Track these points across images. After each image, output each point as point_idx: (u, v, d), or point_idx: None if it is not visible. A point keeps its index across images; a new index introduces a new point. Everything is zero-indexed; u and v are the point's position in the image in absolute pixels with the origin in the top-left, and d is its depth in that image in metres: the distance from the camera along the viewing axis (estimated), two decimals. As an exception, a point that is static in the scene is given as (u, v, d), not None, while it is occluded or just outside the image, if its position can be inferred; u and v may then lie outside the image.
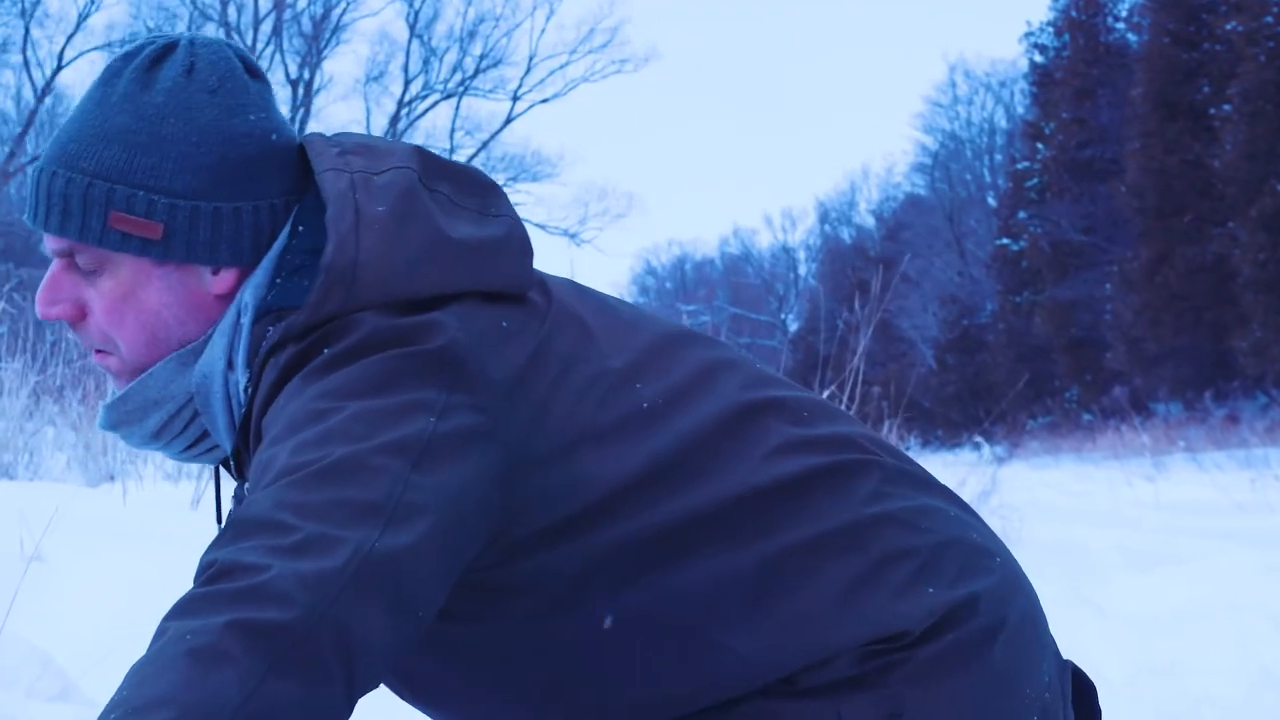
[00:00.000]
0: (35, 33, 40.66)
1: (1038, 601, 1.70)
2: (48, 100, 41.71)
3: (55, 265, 1.65)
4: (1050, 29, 47.74)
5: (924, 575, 1.57)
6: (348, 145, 1.67)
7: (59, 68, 41.04)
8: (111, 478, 6.81)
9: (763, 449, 1.60)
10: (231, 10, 40.61)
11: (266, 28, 43.02)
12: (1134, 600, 6.44)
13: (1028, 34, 49.22)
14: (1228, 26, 33.86)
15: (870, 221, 71.40)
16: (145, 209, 1.58)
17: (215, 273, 1.63)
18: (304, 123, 41.36)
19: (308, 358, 1.52)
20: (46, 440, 7.77)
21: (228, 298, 1.65)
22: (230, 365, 1.63)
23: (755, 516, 1.55)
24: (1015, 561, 1.71)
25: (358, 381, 1.47)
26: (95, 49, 41.03)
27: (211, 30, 40.85)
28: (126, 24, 41.35)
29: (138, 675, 1.26)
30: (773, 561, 1.54)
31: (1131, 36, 43.63)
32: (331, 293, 1.55)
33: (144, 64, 1.62)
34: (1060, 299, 42.03)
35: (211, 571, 1.32)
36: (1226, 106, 33.48)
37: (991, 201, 59.20)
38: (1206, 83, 35.60)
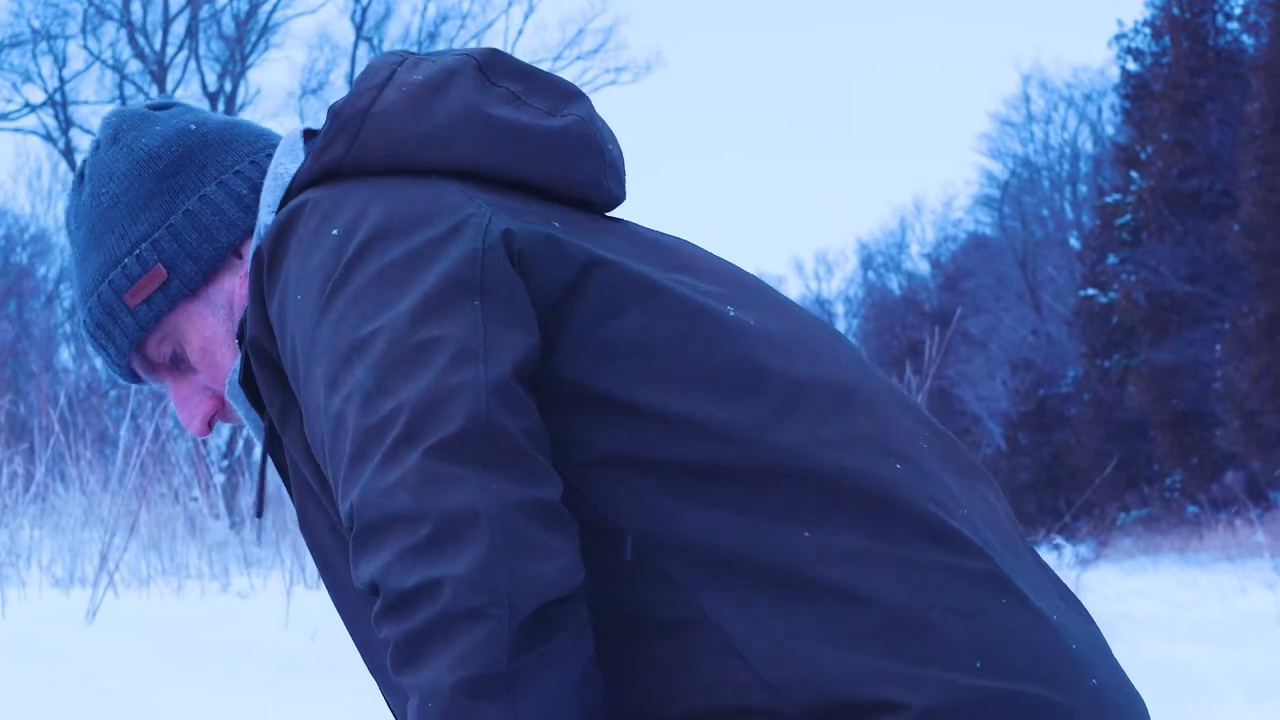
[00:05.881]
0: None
1: None
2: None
3: (170, 387, 2.00)
4: (1147, 30, 48.03)
5: (977, 652, 1.57)
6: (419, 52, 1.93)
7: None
8: (-13, 584, 6.80)
9: (847, 441, 1.67)
10: (136, 8, 40.85)
11: (179, 28, 43.17)
12: (1250, 736, 6.45)
13: (1119, 36, 49.56)
14: (1364, 28, 34.12)
15: (924, 268, 71.77)
16: (140, 268, 1.92)
17: (239, 256, 1.93)
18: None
19: (302, 216, 1.73)
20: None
21: None
22: None
23: (813, 506, 1.61)
24: (1135, 697, 1.69)
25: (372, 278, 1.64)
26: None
27: (111, 31, 41.16)
28: (7, 22, 41.62)
29: None
30: (802, 556, 1.59)
31: (1247, 39, 43.82)
32: (335, 141, 1.79)
33: (72, 186, 2.02)
34: (1159, 363, 42.10)
35: (387, 601, 1.52)
36: (1364, 127, 33.70)
37: (1074, 243, 59.42)
38: (1339, 97, 35.84)
